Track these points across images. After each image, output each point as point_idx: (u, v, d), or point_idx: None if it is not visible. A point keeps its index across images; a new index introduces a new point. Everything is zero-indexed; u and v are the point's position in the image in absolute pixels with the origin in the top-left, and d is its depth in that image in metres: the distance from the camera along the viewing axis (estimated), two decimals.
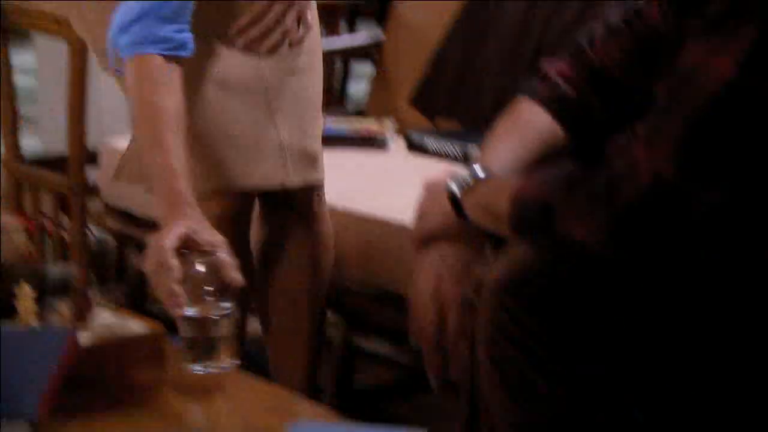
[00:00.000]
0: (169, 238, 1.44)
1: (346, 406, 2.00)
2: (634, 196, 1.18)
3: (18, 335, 1.37)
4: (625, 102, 1.47)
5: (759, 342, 1.24)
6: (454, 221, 1.38)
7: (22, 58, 3.39)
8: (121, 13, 1.58)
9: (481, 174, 1.37)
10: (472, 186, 1.36)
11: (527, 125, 1.50)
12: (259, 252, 1.92)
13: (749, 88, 1.14)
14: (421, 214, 1.42)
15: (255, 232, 1.92)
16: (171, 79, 1.57)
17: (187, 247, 1.45)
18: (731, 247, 1.21)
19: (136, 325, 1.54)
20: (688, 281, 1.24)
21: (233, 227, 1.79)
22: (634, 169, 1.18)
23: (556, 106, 1.50)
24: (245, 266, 1.53)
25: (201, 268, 1.42)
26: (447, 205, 1.38)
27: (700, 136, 1.17)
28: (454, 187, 1.37)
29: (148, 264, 1.44)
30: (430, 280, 1.38)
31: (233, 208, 1.82)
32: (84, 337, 1.46)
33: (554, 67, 1.52)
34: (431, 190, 1.43)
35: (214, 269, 1.42)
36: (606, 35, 1.51)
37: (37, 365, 1.29)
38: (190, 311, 1.41)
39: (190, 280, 1.41)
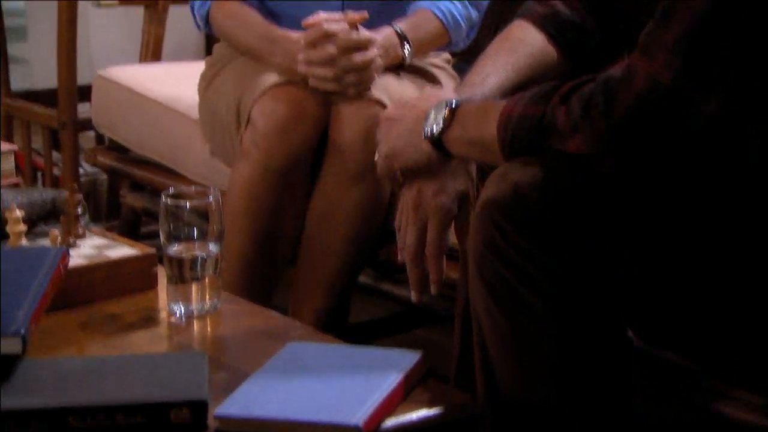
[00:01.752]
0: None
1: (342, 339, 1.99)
2: (630, 103, 1.16)
3: (8, 255, 1.36)
4: (624, 26, 1.45)
5: (756, 256, 1.23)
6: (435, 159, 1.36)
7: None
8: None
9: (455, 105, 1.34)
10: (450, 121, 1.33)
11: (519, 44, 1.47)
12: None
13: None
14: (395, 151, 1.39)
15: None
16: (239, 4, 1.89)
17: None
18: (728, 156, 1.20)
19: (127, 249, 1.52)
20: (684, 191, 1.22)
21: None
22: (631, 76, 1.17)
23: (550, 26, 1.48)
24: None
25: (187, 205, 1.41)
26: (424, 145, 1.35)
27: (699, 42, 1.15)
28: (432, 128, 1.34)
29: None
30: (412, 195, 1.39)
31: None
32: (75, 259, 1.44)
33: None
34: (402, 124, 1.38)
35: (203, 211, 1.42)
36: None
37: (27, 284, 1.28)
38: (173, 250, 1.40)
39: (178, 222, 1.40)
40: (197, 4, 1.94)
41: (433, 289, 1.42)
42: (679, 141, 1.18)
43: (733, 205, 1.23)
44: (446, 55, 2.05)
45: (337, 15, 1.80)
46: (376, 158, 1.42)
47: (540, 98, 1.25)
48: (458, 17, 1.92)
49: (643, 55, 1.18)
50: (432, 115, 1.35)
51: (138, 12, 2.59)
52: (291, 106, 1.78)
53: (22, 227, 1.47)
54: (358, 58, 1.76)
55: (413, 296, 1.42)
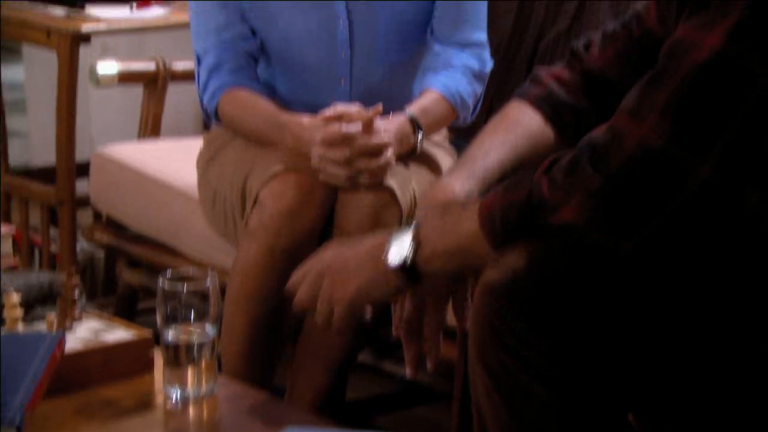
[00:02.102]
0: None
1: (339, 418, 1.98)
2: (620, 168, 1.16)
3: (5, 340, 1.35)
4: (618, 107, 1.46)
5: (760, 341, 1.22)
6: (406, 285, 1.32)
7: (11, 72, 3.38)
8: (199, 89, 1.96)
9: (416, 227, 1.30)
10: (417, 242, 1.29)
11: (517, 123, 1.48)
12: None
13: (736, 60, 1.13)
14: (361, 293, 1.33)
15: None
16: (250, 94, 1.91)
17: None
18: (726, 224, 1.19)
19: (123, 333, 1.51)
20: (684, 265, 1.22)
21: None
22: (619, 140, 1.16)
23: (547, 106, 1.49)
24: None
25: (184, 288, 1.40)
26: (394, 277, 1.30)
27: (689, 106, 1.15)
28: (400, 257, 1.30)
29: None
30: None
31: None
32: (71, 343, 1.44)
33: (549, 71, 1.51)
34: (356, 266, 1.33)
35: (200, 294, 1.41)
36: (603, 40, 1.50)
37: (23, 370, 1.28)
38: (171, 336, 1.39)
39: (175, 304, 1.40)
40: (206, 97, 1.95)
41: (429, 366, 1.41)
42: (672, 205, 1.17)
43: (734, 286, 1.23)
44: (444, 131, 2.07)
45: (353, 108, 1.81)
46: (336, 312, 1.35)
47: (517, 184, 1.25)
48: (465, 96, 1.94)
49: (632, 118, 1.18)
50: (394, 245, 1.31)
51: (137, 89, 2.61)
52: (300, 191, 1.79)
53: (19, 312, 1.46)
54: (374, 163, 1.77)
55: (408, 372, 1.41)
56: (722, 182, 1.16)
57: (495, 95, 2.43)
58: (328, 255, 1.37)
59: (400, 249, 1.30)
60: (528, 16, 2.45)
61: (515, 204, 1.23)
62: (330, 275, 1.34)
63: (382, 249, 1.31)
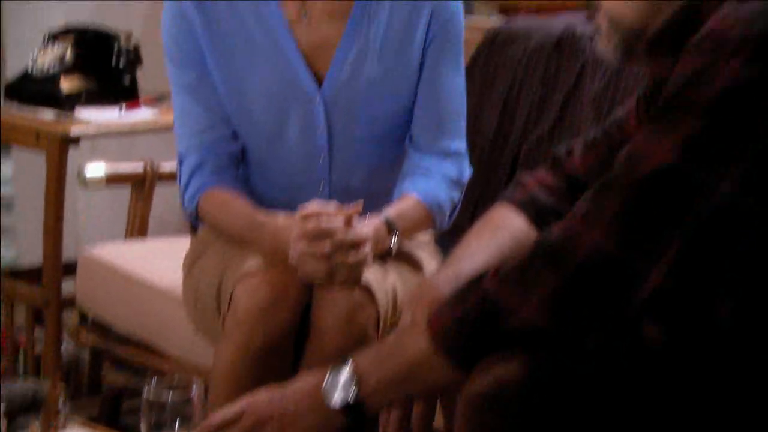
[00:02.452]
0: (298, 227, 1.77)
1: None
2: (575, 268, 1.17)
3: None
4: None
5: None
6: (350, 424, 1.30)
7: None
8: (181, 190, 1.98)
9: (350, 363, 1.28)
10: (358, 379, 1.27)
11: (501, 226, 1.50)
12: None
13: (686, 171, 1.16)
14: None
15: None
16: (229, 195, 1.93)
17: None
18: (675, 327, 1.20)
19: None
20: (663, 381, 1.22)
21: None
22: (571, 243, 1.18)
23: (531, 209, 1.51)
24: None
25: (169, 397, 1.40)
26: (336, 418, 1.28)
27: (638, 214, 1.17)
28: (342, 396, 1.27)
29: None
30: None
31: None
32: None
33: (532, 176, 1.54)
34: (288, 415, 1.29)
35: (186, 402, 1.41)
36: (584, 147, 1.53)
37: None
38: None
39: (161, 413, 1.39)
40: (187, 197, 1.97)
41: None
42: (624, 308, 1.18)
43: (712, 391, 1.23)
44: (429, 232, 2.08)
45: (331, 206, 1.82)
46: None
47: (462, 295, 1.25)
48: (443, 203, 1.95)
49: (585, 221, 1.19)
50: (332, 384, 1.28)
51: (125, 189, 2.62)
52: (274, 290, 1.79)
53: (3, 423, 1.45)
54: (353, 257, 1.78)
55: None
56: (681, 290, 1.17)
57: (479, 198, 2.46)
58: (264, 401, 1.32)
59: (340, 388, 1.26)
60: (511, 120, 2.49)
61: (469, 314, 1.23)
62: (272, 426, 1.29)
63: (320, 390, 1.27)
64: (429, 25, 1.90)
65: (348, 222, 1.79)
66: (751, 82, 1.12)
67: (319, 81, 1.91)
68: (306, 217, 1.79)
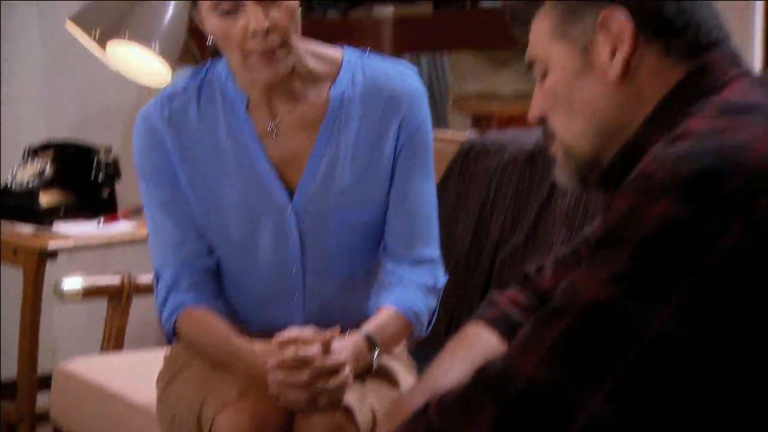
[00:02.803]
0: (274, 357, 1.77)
1: None
2: (513, 397, 1.19)
3: None
4: None
5: None
6: None
7: None
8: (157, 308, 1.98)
9: None
10: None
11: (474, 343, 1.52)
12: None
13: (618, 309, 1.18)
14: None
15: None
16: (206, 315, 1.93)
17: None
18: None
19: None
20: None
21: None
22: (511, 371, 1.20)
23: (503, 327, 1.53)
24: None
25: None
26: None
27: (573, 348, 1.19)
28: None
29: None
30: None
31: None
32: None
33: (503, 294, 1.56)
34: None
35: None
36: (554, 265, 1.56)
37: None
38: None
39: None
40: (165, 315, 1.96)
41: None
42: None
43: None
44: (402, 342, 2.08)
45: (308, 331, 1.82)
46: None
47: (410, 425, 1.27)
48: (420, 311, 1.95)
49: (523, 352, 1.21)
50: None
51: (102, 301, 2.63)
52: (256, 418, 1.78)
53: None
54: (333, 383, 1.78)
55: None
56: (618, 422, 1.19)
57: (455, 309, 2.47)
58: None
59: None
60: (486, 231, 2.51)
61: None
62: None
63: None
64: (399, 133, 1.92)
65: (326, 347, 1.79)
66: (678, 222, 1.16)
67: (291, 192, 1.92)
68: (283, 345, 1.79)
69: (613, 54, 1.31)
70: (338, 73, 1.92)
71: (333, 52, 1.94)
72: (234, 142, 1.92)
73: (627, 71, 1.31)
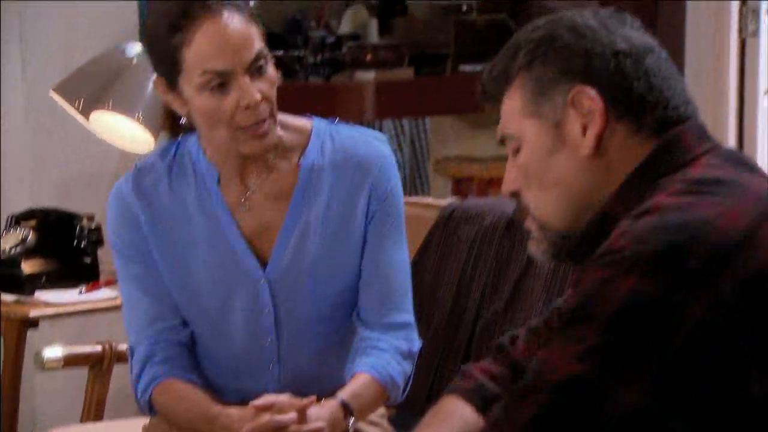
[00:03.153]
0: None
1: None
2: None
3: None
4: None
5: None
6: None
7: None
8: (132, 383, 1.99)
9: None
10: None
11: (449, 416, 1.53)
12: None
13: (590, 384, 1.20)
14: None
15: None
16: (182, 385, 1.93)
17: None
18: None
19: None
20: None
21: None
22: None
23: (478, 398, 1.54)
24: None
25: None
26: None
27: (547, 424, 1.21)
28: None
29: None
30: None
31: None
32: None
33: (477, 366, 1.58)
34: None
35: None
36: (527, 335, 1.57)
37: None
38: None
39: None
40: (140, 389, 1.96)
41: None
42: None
43: None
44: (381, 410, 2.09)
45: (283, 397, 1.83)
46: None
47: None
48: (395, 376, 1.95)
49: (496, 427, 1.23)
50: None
51: (82, 369, 2.62)
52: None
53: None
54: None
55: None
56: None
57: (436, 375, 2.47)
58: None
59: None
60: (467, 296, 2.53)
61: None
62: None
63: None
64: (369, 201, 1.93)
65: (302, 414, 1.79)
66: (647, 297, 1.18)
67: (263, 263, 1.93)
68: (259, 410, 1.79)
69: (584, 130, 1.33)
70: (308, 143, 1.94)
71: (302, 122, 1.96)
72: (206, 216, 1.93)
73: (598, 147, 1.33)
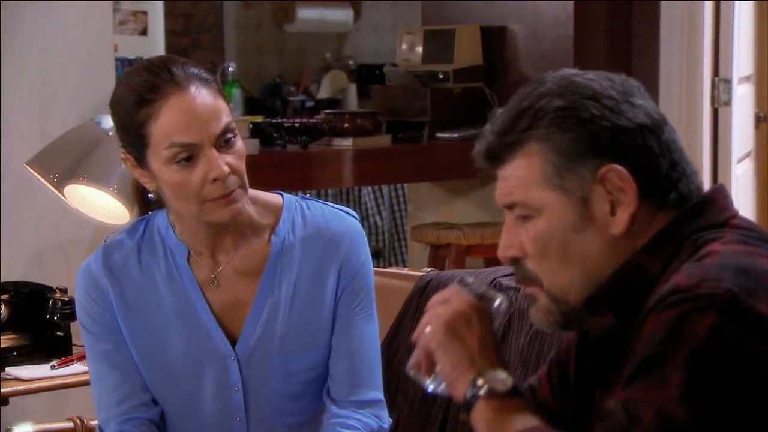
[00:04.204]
0: None
1: None
2: None
3: None
4: None
5: None
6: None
7: None
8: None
9: (502, 388, 1.35)
10: (486, 400, 1.34)
11: None
12: None
13: (684, 425, 1.19)
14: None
15: None
16: None
17: None
18: None
19: None
20: None
21: None
22: None
23: None
24: None
25: None
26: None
27: None
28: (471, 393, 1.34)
29: None
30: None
31: None
32: None
33: None
34: (464, 357, 1.39)
35: None
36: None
37: None
38: None
39: None
40: None
41: None
42: None
43: None
44: None
45: None
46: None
47: None
48: None
49: None
50: (489, 377, 1.36)
51: None
52: None
53: None
54: None
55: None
56: None
57: None
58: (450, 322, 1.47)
59: (486, 383, 1.37)
60: None
61: None
62: (443, 336, 1.45)
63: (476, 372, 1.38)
64: (339, 276, 1.93)
65: None
66: (728, 337, 1.20)
67: (233, 340, 1.92)
68: None
69: (611, 208, 1.33)
70: (278, 219, 1.93)
71: (272, 197, 1.96)
72: (175, 293, 1.92)
73: (630, 227, 1.33)
